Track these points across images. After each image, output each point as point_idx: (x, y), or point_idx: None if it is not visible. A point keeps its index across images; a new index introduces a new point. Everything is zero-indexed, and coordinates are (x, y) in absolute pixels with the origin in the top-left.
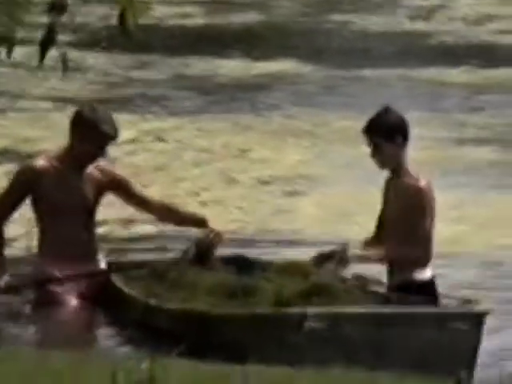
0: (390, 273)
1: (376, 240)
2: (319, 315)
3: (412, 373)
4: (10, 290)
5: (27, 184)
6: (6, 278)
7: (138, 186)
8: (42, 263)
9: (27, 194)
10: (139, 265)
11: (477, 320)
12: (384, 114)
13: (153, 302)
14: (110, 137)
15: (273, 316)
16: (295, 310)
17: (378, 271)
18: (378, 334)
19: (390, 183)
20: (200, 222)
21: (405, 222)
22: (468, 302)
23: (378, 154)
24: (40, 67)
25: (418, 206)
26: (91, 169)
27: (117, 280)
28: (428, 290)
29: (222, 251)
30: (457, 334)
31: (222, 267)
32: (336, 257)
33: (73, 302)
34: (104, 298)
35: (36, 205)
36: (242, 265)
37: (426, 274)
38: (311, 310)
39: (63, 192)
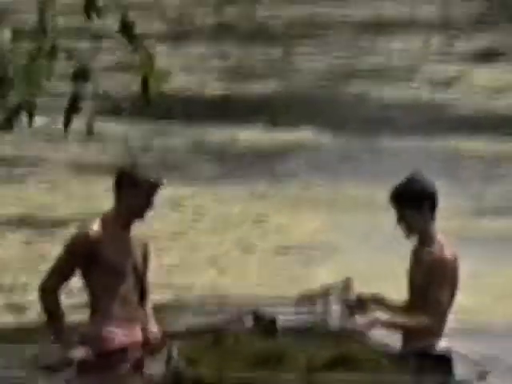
0: (405, 340)
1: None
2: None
3: None
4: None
5: (83, 252)
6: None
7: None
8: (98, 331)
9: (82, 262)
10: (195, 333)
11: None
12: (410, 181)
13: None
14: (157, 184)
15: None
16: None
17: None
18: None
19: (416, 252)
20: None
21: (422, 291)
22: (484, 374)
23: (403, 221)
24: (66, 135)
25: (436, 276)
26: (134, 232)
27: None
28: (443, 361)
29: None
30: None
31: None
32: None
33: (125, 368)
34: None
35: (89, 271)
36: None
37: (441, 344)
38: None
39: (118, 255)
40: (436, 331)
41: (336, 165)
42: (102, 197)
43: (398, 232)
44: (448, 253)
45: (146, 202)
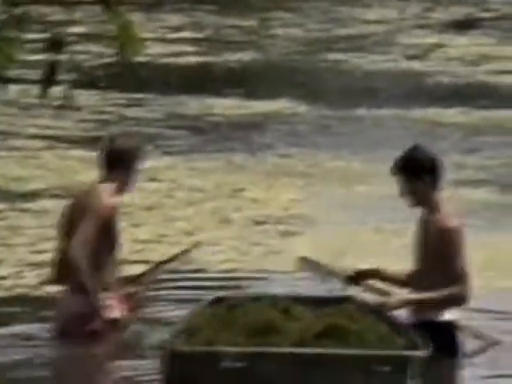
0: (411, 311)
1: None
2: (236, 354)
3: None
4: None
5: (105, 223)
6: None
7: None
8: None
9: (101, 232)
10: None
11: (401, 363)
12: (411, 152)
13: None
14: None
15: (194, 354)
16: (212, 348)
17: None
18: (302, 376)
19: (423, 222)
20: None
21: (434, 261)
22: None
23: (406, 192)
24: (42, 104)
25: (453, 245)
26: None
27: None
28: (447, 331)
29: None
30: (381, 377)
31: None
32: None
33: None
34: None
35: (99, 240)
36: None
37: (445, 315)
38: (227, 349)
39: (118, 227)
40: (467, 299)
41: (312, 136)
42: (75, 168)
43: (374, 204)
44: (456, 222)
45: (137, 175)
